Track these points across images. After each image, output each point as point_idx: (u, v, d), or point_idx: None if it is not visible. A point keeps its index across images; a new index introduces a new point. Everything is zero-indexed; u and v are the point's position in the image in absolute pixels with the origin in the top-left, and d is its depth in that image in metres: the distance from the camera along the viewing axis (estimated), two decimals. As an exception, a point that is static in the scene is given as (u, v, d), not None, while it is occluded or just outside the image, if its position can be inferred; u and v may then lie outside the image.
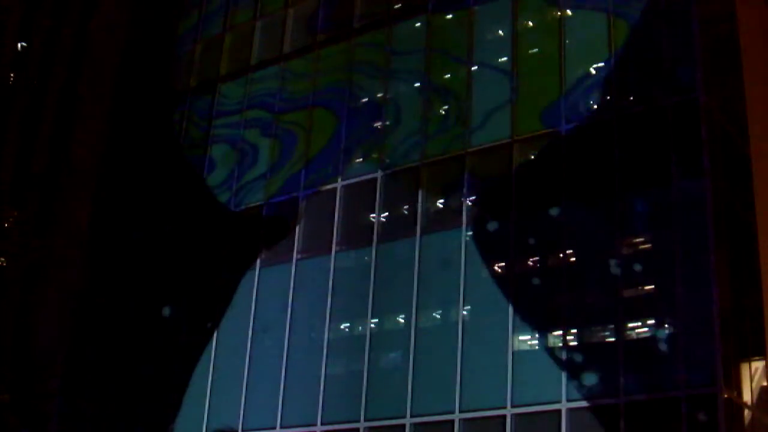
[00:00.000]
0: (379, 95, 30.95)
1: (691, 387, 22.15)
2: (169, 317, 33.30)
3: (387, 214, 29.20)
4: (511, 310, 25.25)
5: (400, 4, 31.87)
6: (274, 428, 28.30)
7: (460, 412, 25.13)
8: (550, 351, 24.61)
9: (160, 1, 39.62)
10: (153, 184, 35.92)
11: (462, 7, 30.04)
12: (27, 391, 34.52)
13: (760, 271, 25.31)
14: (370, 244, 28.68)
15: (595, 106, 26.60)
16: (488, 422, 24.74)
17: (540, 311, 25.16)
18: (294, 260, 30.24)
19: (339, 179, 30.36)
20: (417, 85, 30.35)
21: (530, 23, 28.90)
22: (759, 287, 25.19)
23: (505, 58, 28.51)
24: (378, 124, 30.47)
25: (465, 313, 26.21)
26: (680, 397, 22.19)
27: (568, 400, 23.58)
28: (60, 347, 34.94)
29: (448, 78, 29.86)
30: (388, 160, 29.62)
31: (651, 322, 23.96)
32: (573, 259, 25.44)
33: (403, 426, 25.93)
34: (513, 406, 24.34)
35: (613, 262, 24.57)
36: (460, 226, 27.14)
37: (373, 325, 27.83)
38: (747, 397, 23.43)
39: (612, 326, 24.08)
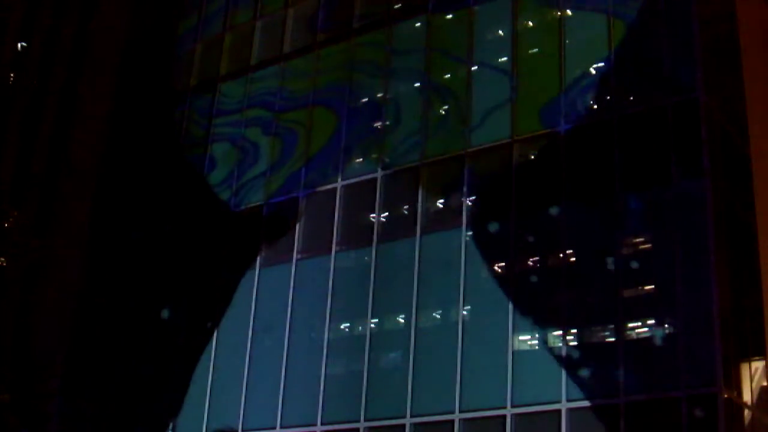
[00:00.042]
0: (379, 95, 30.96)
1: (691, 387, 22.15)
2: (168, 317, 33.31)
3: (387, 214, 29.20)
4: (511, 310, 25.25)
5: (400, 4, 31.87)
6: (274, 428, 28.30)
7: (460, 412, 25.13)
8: (550, 351, 24.61)
9: (160, 1, 39.62)
10: (153, 184, 35.93)
11: (462, 6, 30.04)
12: (27, 391, 34.51)
13: (760, 271, 25.31)
14: (370, 244, 28.68)
15: (595, 106, 26.60)
16: (488, 422, 24.74)
17: (540, 311, 25.16)
18: (294, 260, 30.24)
19: (339, 179, 30.36)
20: (417, 84, 30.36)
21: (530, 23, 28.90)
22: (759, 287, 25.19)
23: (504, 58, 28.52)
24: (378, 124, 30.48)
25: (465, 313, 26.21)
26: (680, 397, 22.19)
27: (568, 400, 23.58)
28: (60, 347, 34.93)
29: (448, 78, 29.86)
30: (388, 160, 29.63)
31: (651, 322, 23.96)
32: (573, 258, 25.43)
33: (403, 426, 25.93)
34: (513, 406, 24.34)
35: (613, 262, 24.57)
36: (460, 226, 27.14)
37: (373, 325, 27.83)
38: (747, 397, 23.43)
39: (612, 326, 24.08)
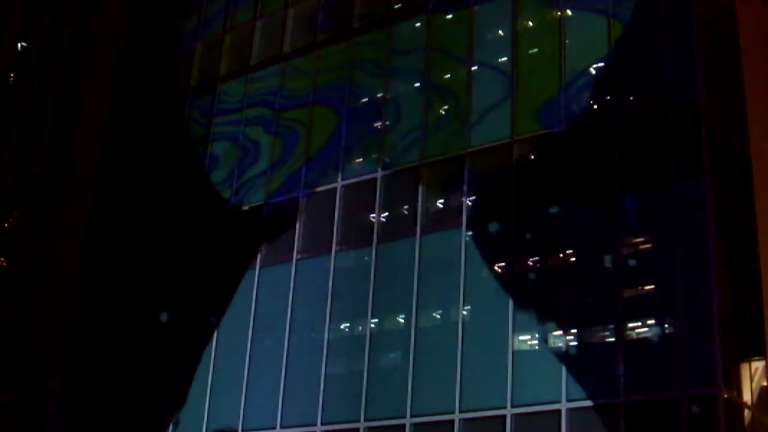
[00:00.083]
0: (379, 95, 30.96)
1: (691, 387, 22.15)
2: (168, 317, 33.31)
3: (387, 214, 29.20)
4: (511, 310, 25.25)
5: (400, 4, 31.87)
6: (274, 428, 28.30)
7: (460, 412, 25.13)
8: (550, 351, 24.61)
9: (161, 1, 39.62)
10: (153, 183, 35.93)
11: (462, 6, 30.04)
12: (27, 391, 34.50)
13: (760, 271, 25.31)
14: (370, 244, 28.68)
15: (595, 106, 26.60)
16: (488, 422, 24.74)
17: (540, 311, 25.16)
18: (294, 260, 30.24)
19: (339, 179, 30.36)
20: (417, 84, 30.36)
21: (530, 23, 28.90)
22: (759, 287, 25.19)
23: (504, 58, 28.51)
24: (378, 124, 30.48)
25: (465, 313, 26.20)
26: (680, 397, 22.18)
27: (568, 400, 23.58)
28: (60, 347, 34.93)
29: (448, 78, 29.86)
30: (388, 160, 29.63)
31: (651, 322, 23.95)
32: (573, 258, 25.43)
33: (403, 426, 25.93)
34: (513, 406, 24.34)
35: (613, 262, 24.57)
36: (460, 226, 27.14)
37: (373, 325, 27.82)
38: (747, 397, 23.43)
39: (612, 326, 24.08)
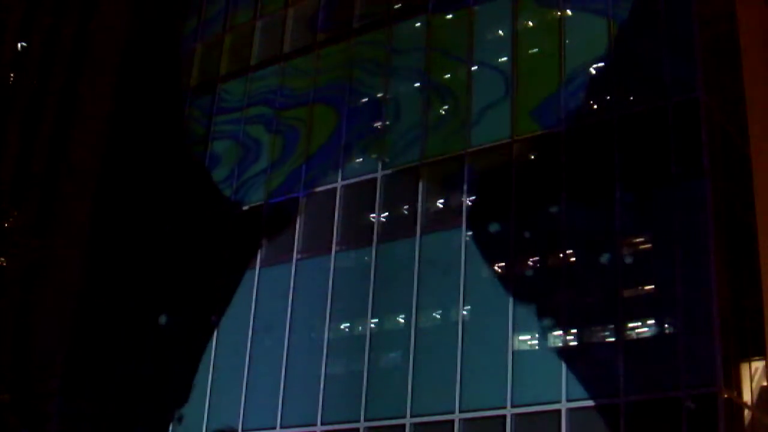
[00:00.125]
0: (379, 95, 30.96)
1: (691, 387, 22.15)
2: (168, 317, 33.31)
3: (387, 214, 29.20)
4: (511, 310, 25.25)
5: (400, 4, 31.88)
6: (274, 428, 28.30)
7: (460, 412, 25.13)
8: (550, 351, 24.62)
9: (161, 0, 39.62)
10: (153, 183, 35.93)
11: (462, 6, 30.04)
12: (27, 391, 34.49)
13: (760, 271, 25.32)
14: (370, 244, 28.68)
15: (595, 106, 26.60)
16: (488, 422, 24.74)
17: (540, 311, 25.16)
18: (294, 260, 30.24)
19: (339, 179, 30.36)
20: (417, 84, 30.36)
21: (530, 23, 28.91)
22: (759, 287, 25.20)
23: (504, 58, 28.52)
24: (378, 124, 30.48)
25: (465, 313, 26.21)
26: (680, 397, 22.18)
27: (568, 400, 23.58)
28: (60, 347, 34.91)
29: (448, 78, 29.87)
30: (388, 160, 29.62)
31: (651, 322, 23.97)
32: (573, 258, 25.43)
33: (403, 426, 25.93)
34: (513, 406, 24.35)
35: (613, 262, 24.57)
36: (460, 226, 27.14)
37: (373, 325, 27.83)
38: (747, 397, 23.44)
39: (612, 326, 24.08)
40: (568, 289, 24.90)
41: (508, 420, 24.31)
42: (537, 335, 25.22)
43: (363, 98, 31.41)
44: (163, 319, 33.44)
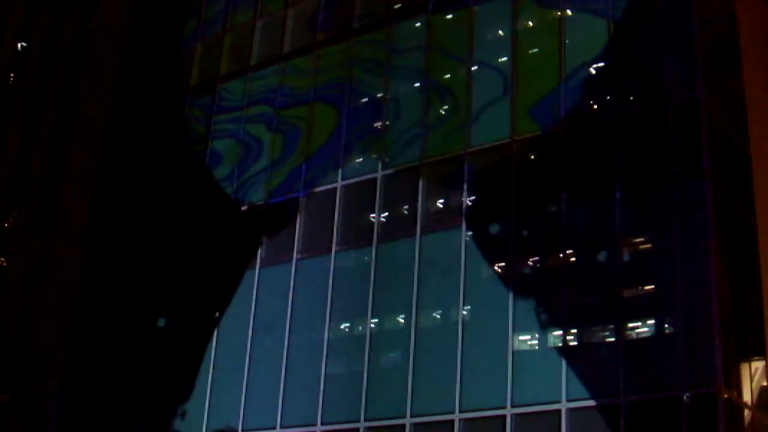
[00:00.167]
0: (379, 94, 30.96)
1: (691, 387, 22.15)
2: (168, 317, 33.31)
3: (387, 214, 29.20)
4: (511, 310, 25.24)
5: (400, 4, 31.88)
6: (274, 428, 28.30)
7: (460, 412, 25.12)
8: (550, 351, 24.61)
9: (161, 1, 39.63)
10: (153, 184, 35.93)
11: (462, 6, 30.04)
12: (27, 391, 34.51)
13: (760, 271, 25.31)
14: (370, 244, 28.68)
15: (595, 106, 26.60)
16: (488, 422, 24.74)
17: (540, 311, 25.16)
18: (294, 260, 30.24)
19: (339, 179, 30.36)
20: (417, 84, 30.36)
21: (530, 23, 28.91)
22: (759, 287, 25.19)
23: (504, 58, 28.51)
24: (378, 124, 30.48)
25: (465, 313, 26.20)
26: (680, 397, 22.18)
27: (568, 400, 23.58)
28: (60, 347, 34.94)
29: (448, 78, 29.87)
30: (388, 160, 29.63)
31: (651, 322, 23.96)
32: (573, 258, 25.43)
33: (403, 426, 25.93)
34: (513, 406, 24.34)
35: (613, 262, 24.57)
36: (460, 226, 27.14)
37: (373, 325, 27.82)
38: (747, 397, 23.44)
39: (612, 326, 24.07)
40: (568, 289, 24.89)
41: (508, 420, 24.31)
42: (537, 335, 25.22)
43: (363, 98, 31.41)
44: (162, 319, 33.44)
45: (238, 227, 32.47)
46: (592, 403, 23.37)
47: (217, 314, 31.33)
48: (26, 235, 36.63)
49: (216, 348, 30.92)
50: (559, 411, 23.63)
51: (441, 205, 28.67)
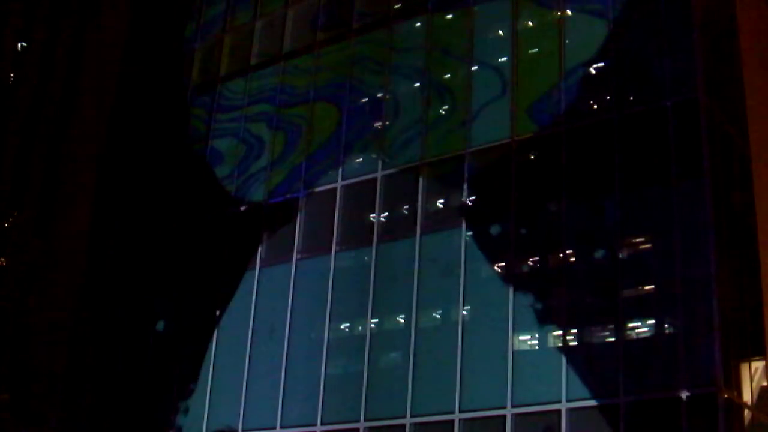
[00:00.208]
0: (379, 94, 30.96)
1: (691, 387, 22.14)
2: (168, 317, 33.30)
3: (387, 214, 29.20)
4: (511, 310, 25.24)
5: (400, 4, 31.88)
6: (274, 428, 28.30)
7: (460, 412, 25.12)
8: (550, 351, 24.61)
9: (161, 1, 39.63)
10: (153, 184, 35.93)
11: (462, 6, 30.04)
12: (27, 391, 34.52)
13: (760, 271, 25.31)
14: (370, 244, 28.68)
15: (595, 106, 26.59)
16: (488, 422, 24.73)
17: (540, 311, 25.15)
18: (294, 260, 30.24)
19: (339, 179, 30.35)
20: (417, 84, 30.36)
21: (530, 23, 28.90)
22: (759, 287, 25.19)
23: (504, 58, 28.51)
24: (378, 124, 30.48)
25: (465, 313, 26.20)
26: (680, 397, 22.18)
27: (568, 400, 23.57)
28: (60, 347, 34.94)
29: (448, 77, 29.86)
30: (388, 160, 29.63)
31: (651, 321, 23.95)
32: (573, 258, 25.43)
33: (403, 426, 25.92)
34: (513, 406, 24.34)
35: (613, 262, 24.57)
36: (460, 226, 27.14)
37: (373, 325, 27.82)
38: (747, 397, 23.43)
39: (612, 326, 24.07)
40: (568, 289, 24.89)
41: (508, 420, 24.31)
42: (537, 335, 25.21)
43: (363, 98, 31.42)
44: (162, 319, 33.44)
45: (238, 227, 32.47)
46: (592, 403, 23.37)
47: (217, 314, 31.33)
48: (26, 235, 36.64)
49: (216, 348, 30.92)
50: (559, 411, 23.62)
51: (441, 205, 28.66)
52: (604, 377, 23.49)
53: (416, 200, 28.40)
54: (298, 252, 30.33)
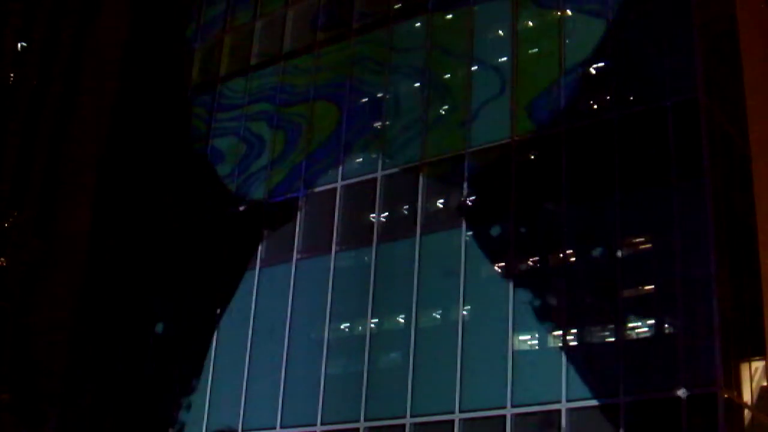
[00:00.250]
0: (379, 94, 30.96)
1: (691, 387, 22.14)
2: (168, 317, 33.30)
3: (387, 214, 29.20)
4: (511, 310, 25.24)
5: (400, 4, 31.88)
6: (274, 428, 28.30)
7: (460, 412, 25.12)
8: (550, 351, 24.61)
9: (161, 1, 39.63)
10: (153, 184, 35.92)
11: (462, 6, 30.04)
12: (27, 391, 34.51)
13: (760, 271, 25.31)
14: (370, 244, 28.68)
15: (595, 106, 26.60)
16: (488, 422, 24.73)
17: (540, 311, 25.16)
18: (294, 260, 30.24)
19: (339, 179, 30.36)
20: (417, 84, 30.36)
21: (530, 23, 28.90)
22: (759, 287, 25.19)
23: (504, 58, 28.52)
24: (378, 123, 30.48)
25: (465, 313, 26.20)
26: (680, 397, 22.18)
27: (568, 400, 23.58)
28: (60, 347, 34.94)
29: (448, 77, 29.87)
30: (388, 160, 29.63)
31: (651, 322, 23.96)
32: (573, 258, 25.43)
33: (403, 426, 25.93)
34: (513, 406, 24.34)
35: (613, 262, 24.56)
36: (460, 226, 27.14)
37: (373, 325, 27.83)
38: (747, 397, 23.44)
39: (612, 326, 24.07)
40: (568, 289, 24.89)
41: (508, 420, 24.31)
42: (537, 335, 25.22)
43: (363, 97, 31.42)
44: (162, 319, 33.43)
45: (238, 227, 32.47)
46: (592, 403, 23.37)
47: (217, 314, 31.32)
48: (26, 235, 36.63)
49: (216, 348, 30.92)
50: (559, 411, 23.63)
51: (441, 205, 28.67)
52: (604, 377, 23.50)
53: (416, 200, 28.40)
54: (298, 252, 30.33)
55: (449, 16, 30.60)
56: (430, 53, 30.26)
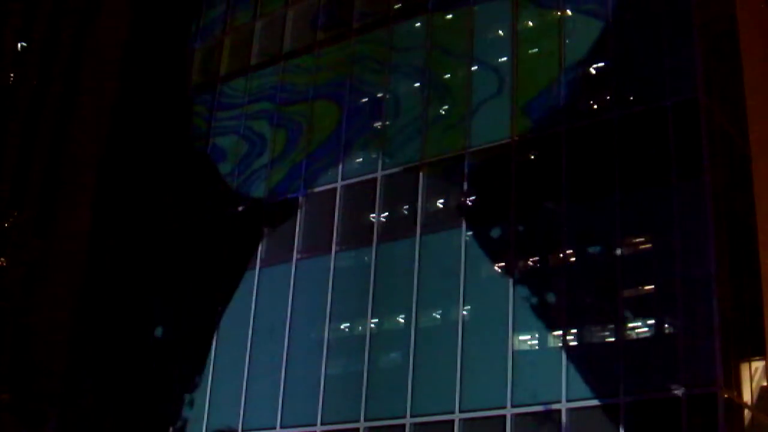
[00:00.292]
0: (379, 94, 30.97)
1: (691, 387, 22.14)
2: (168, 317, 33.30)
3: (387, 214, 29.20)
4: (511, 310, 25.24)
5: (400, 4, 31.89)
6: (274, 428, 28.30)
7: (460, 412, 25.13)
8: (550, 351, 24.61)
9: (161, 1, 39.63)
10: (153, 184, 35.92)
11: (462, 6, 30.04)
12: (27, 391, 34.51)
13: (760, 271, 25.31)
14: (370, 244, 28.68)
15: (595, 106, 26.60)
16: (488, 422, 24.74)
17: (540, 311, 25.16)
18: (294, 260, 30.24)
19: (339, 179, 30.36)
20: (417, 84, 30.37)
21: (530, 23, 28.91)
22: (759, 287, 25.19)
23: (504, 58, 28.52)
24: (378, 123, 30.49)
25: (465, 313, 26.20)
26: (680, 396, 22.18)
27: (568, 400, 23.58)
28: (60, 347, 34.93)
29: (448, 77, 29.88)
30: (388, 160, 29.63)
31: (651, 321, 23.96)
32: (573, 258, 25.43)
33: (403, 426, 25.93)
34: (513, 406, 24.34)
35: (613, 262, 24.56)
36: (460, 226, 27.14)
37: (373, 325, 27.83)
38: (747, 397, 23.44)
39: (612, 326, 24.07)
40: (568, 289, 24.89)
41: (508, 420, 24.31)
42: (537, 335, 25.22)
43: (363, 97, 31.43)
44: (163, 320, 33.43)
45: (238, 227, 32.47)
46: (592, 402, 23.37)
47: (217, 314, 31.32)
48: (26, 235, 36.62)
49: (216, 348, 30.92)
50: (558, 411, 23.63)
51: (441, 205, 28.67)
52: (604, 377, 23.50)
53: (416, 200, 28.40)
54: (298, 252, 30.33)
55: (449, 16, 30.61)
56: (430, 53, 30.28)
